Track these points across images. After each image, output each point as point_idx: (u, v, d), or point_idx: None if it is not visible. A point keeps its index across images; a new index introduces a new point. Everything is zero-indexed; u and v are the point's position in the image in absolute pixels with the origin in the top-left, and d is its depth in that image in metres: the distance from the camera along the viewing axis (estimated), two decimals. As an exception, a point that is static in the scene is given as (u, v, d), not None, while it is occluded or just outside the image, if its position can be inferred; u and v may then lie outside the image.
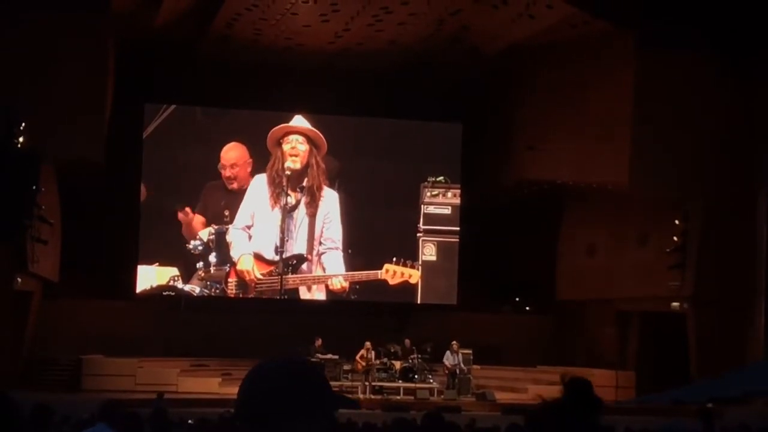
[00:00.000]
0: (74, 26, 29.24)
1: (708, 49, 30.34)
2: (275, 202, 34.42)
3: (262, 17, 32.43)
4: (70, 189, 32.11)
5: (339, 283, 34.94)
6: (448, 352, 30.88)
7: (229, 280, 34.56)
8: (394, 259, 34.92)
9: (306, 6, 31.56)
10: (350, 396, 29.79)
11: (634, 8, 30.31)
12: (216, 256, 34.55)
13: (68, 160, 30.46)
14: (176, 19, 32.15)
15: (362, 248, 35.32)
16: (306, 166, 34.74)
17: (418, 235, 35.95)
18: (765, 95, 31.27)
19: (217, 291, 34.63)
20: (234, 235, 34.57)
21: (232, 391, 31.87)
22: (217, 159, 34.83)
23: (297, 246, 34.74)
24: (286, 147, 34.51)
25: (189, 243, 34.51)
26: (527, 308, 37.83)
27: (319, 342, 31.40)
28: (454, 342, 30.92)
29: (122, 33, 31.56)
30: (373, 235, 35.33)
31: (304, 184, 34.73)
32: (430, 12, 32.04)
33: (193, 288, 34.63)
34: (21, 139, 27.61)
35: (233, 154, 34.97)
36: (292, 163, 34.45)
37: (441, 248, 36.07)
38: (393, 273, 34.80)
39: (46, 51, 29.09)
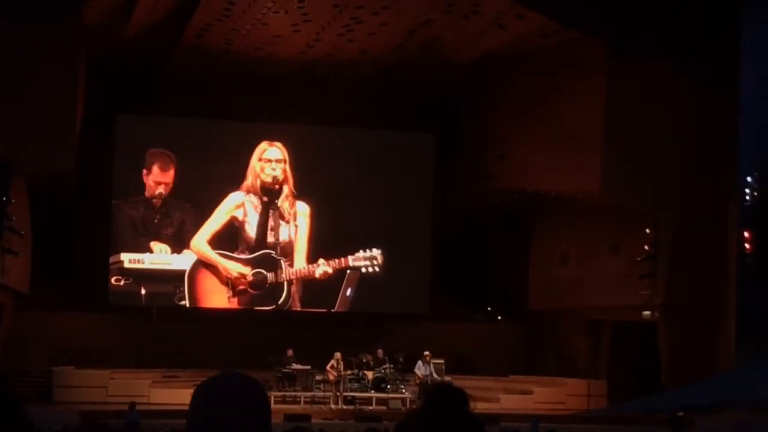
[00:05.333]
0: (45, 38, 29.04)
1: (679, 58, 30.45)
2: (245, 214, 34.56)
3: (233, 27, 32.41)
4: (41, 200, 31.96)
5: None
6: (420, 362, 30.85)
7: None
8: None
9: (277, 16, 31.54)
10: (323, 407, 29.79)
11: (605, 18, 30.39)
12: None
13: (39, 171, 30.31)
14: (147, 30, 32.10)
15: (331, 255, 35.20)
16: (282, 180, 34.78)
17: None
18: (736, 105, 31.44)
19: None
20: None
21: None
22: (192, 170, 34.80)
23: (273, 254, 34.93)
24: (262, 163, 34.70)
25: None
26: (499, 317, 37.85)
27: (290, 352, 31.37)
28: (427, 352, 30.89)
29: (93, 45, 31.47)
30: (342, 244, 35.14)
31: (278, 196, 34.80)
32: (401, 22, 32.07)
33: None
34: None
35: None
36: (268, 177, 34.60)
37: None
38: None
39: (16, 63, 28.94)
